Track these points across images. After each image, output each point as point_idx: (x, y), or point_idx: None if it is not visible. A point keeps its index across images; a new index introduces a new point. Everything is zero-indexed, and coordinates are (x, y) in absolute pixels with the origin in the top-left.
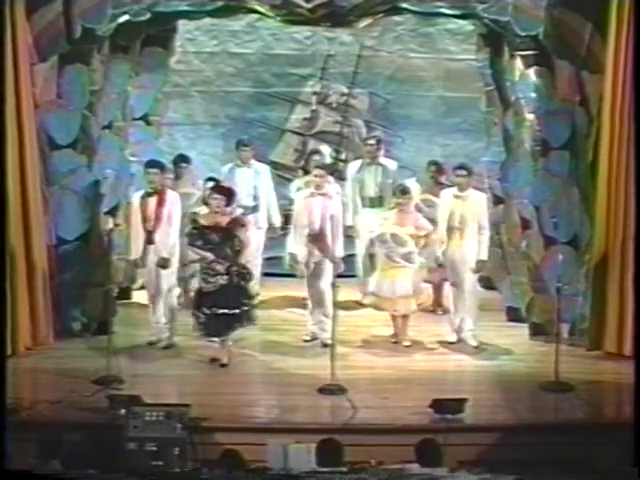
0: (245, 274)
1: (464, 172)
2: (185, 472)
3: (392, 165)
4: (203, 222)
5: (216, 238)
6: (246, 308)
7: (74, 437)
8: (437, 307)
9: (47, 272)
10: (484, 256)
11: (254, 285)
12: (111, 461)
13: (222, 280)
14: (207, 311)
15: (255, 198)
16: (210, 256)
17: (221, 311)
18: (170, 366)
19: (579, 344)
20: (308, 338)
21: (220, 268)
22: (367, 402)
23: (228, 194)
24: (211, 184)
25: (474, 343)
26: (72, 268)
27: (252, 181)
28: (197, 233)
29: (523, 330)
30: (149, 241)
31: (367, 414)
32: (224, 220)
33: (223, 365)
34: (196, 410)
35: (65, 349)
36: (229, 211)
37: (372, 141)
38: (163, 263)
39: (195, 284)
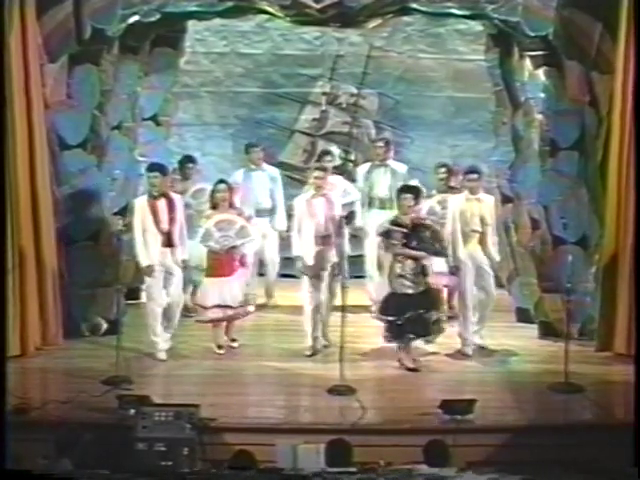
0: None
1: (475, 176)
2: (194, 472)
3: (401, 168)
4: (407, 222)
5: (429, 236)
6: (443, 313)
7: (84, 437)
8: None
9: (57, 272)
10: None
11: None
12: (120, 461)
13: (426, 280)
14: (408, 315)
15: (272, 201)
16: (425, 255)
17: (435, 315)
18: (179, 366)
19: (588, 345)
20: (309, 353)
21: (430, 269)
22: (376, 403)
23: (416, 192)
24: (223, 186)
25: (470, 352)
26: (82, 268)
27: (268, 184)
28: (412, 234)
29: (532, 331)
30: (168, 244)
31: (376, 414)
32: (420, 218)
33: (411, 369)
34: (205, 410)
35: (74, 349)
36: (417, 209)
37: (381, 143)
38: (185, 265)
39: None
